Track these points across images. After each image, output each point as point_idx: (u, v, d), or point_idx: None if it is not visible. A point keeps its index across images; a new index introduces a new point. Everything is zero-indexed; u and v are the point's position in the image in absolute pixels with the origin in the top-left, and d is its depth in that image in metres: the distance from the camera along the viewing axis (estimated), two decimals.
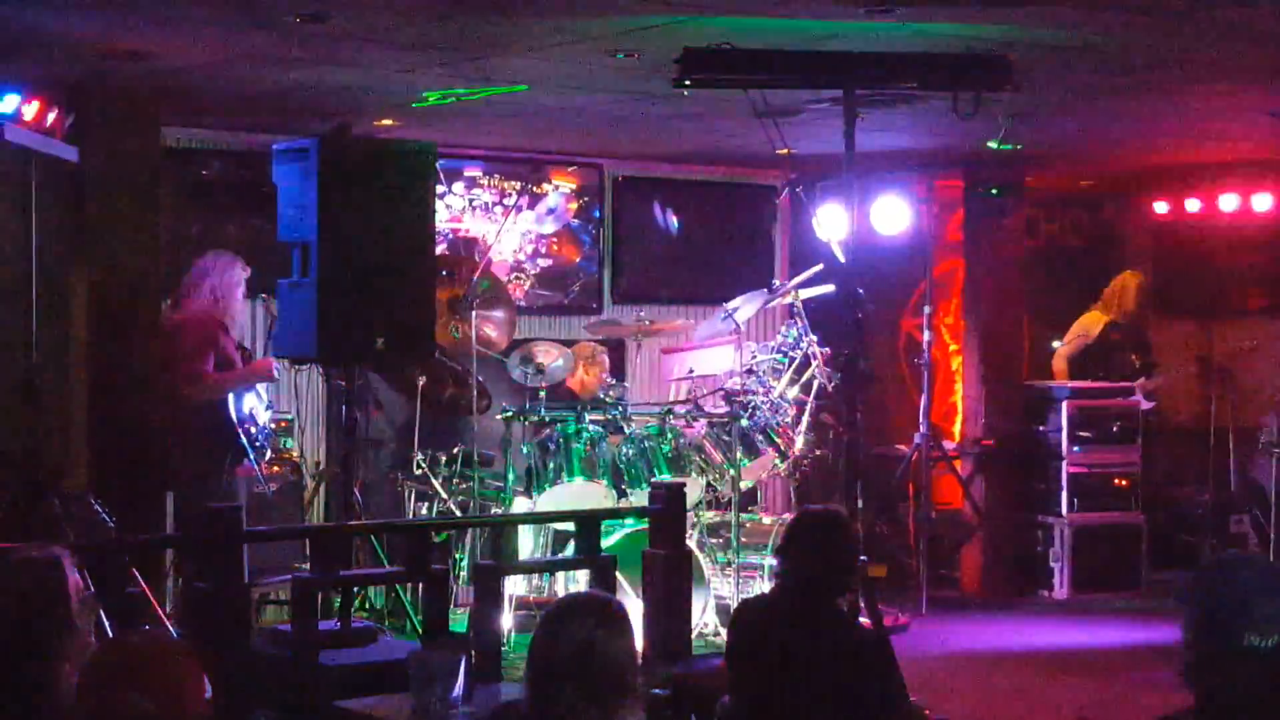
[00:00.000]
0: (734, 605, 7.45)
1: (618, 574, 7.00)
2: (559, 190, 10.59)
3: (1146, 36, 6.72)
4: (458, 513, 8.62)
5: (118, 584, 5.30)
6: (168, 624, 6.09)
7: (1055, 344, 11.27)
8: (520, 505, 8.53)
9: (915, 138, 9.50)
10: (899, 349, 11.76)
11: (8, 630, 3.75)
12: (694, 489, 8.34)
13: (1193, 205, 11.22)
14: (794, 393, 8.92)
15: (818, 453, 9.49)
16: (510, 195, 10.30)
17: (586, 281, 10.80)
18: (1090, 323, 11.03)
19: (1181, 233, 11.47)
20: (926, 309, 10.23)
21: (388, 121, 8.83)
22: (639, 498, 8.26)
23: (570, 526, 7.49)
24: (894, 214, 10.01)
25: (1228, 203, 11.08)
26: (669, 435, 8.67)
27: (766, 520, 8.98)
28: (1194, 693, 3.36)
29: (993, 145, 8.71)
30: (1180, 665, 3.38)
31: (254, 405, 7.92)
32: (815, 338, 8.93)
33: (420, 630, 6.85)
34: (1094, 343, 10.94)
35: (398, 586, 8.16)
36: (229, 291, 7.94)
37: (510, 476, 8.66)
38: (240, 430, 7.77)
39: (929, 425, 10.12)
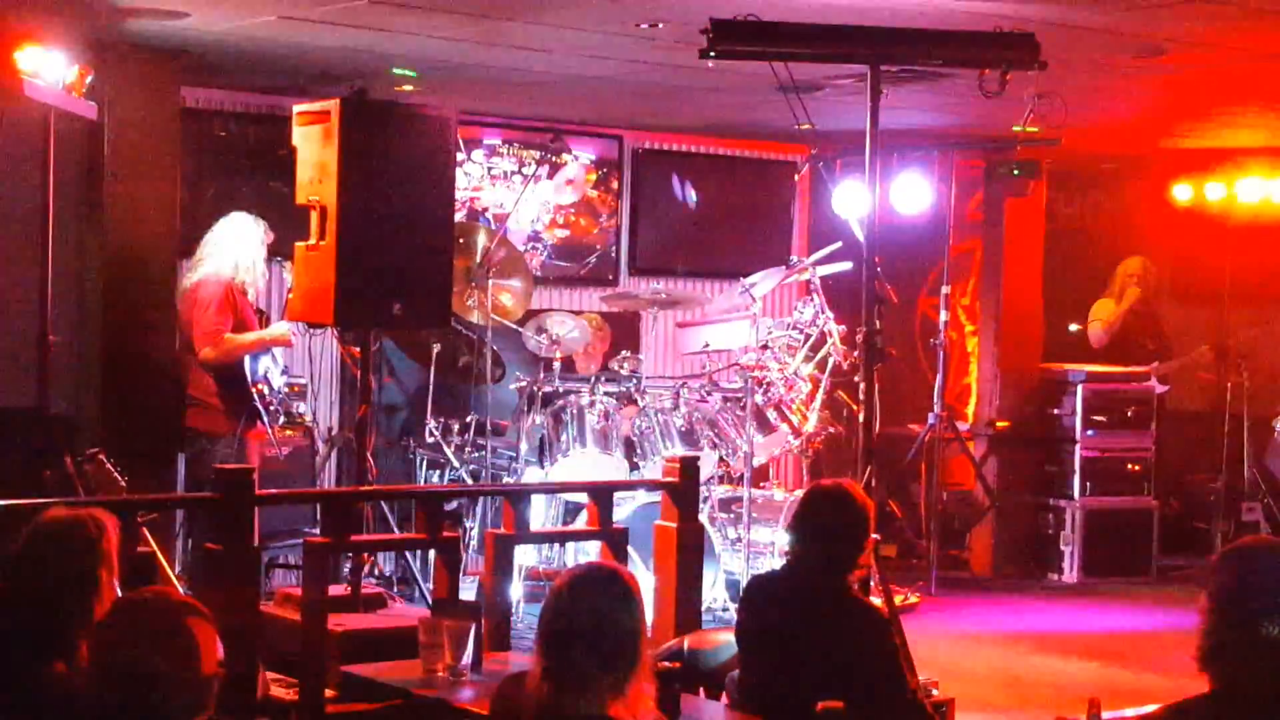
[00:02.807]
0: (744, 581, 7.45)
1: (629, 547, 6.98)
2: (578, 160, 10.56)
3: (1173, 17, 6.67)
4: (469, 481, 8.61)
5: (129, 544, 5.29)
6: (178, 584, 6.08)
7: (1073, 327, 11.24)
8: (532, 476, 8.52)
9: (937, 116, 9.46)
10: (915, 328, 11.73)
11: (42, 587, 3.75)
12: (706, 463, 8.32)
13: (1214, 191, 11.15)
14: (809, 370, 8.90)
15: (831, 430, 9.48)
16: (529, 164, 10.27)
17: (603, 253, 10.78)
18: (1106, 308, 11.00)
19: (1201, 217, 11.41)
20: (944, 289, 10.18)
21: (408, 87, 8.80)
22: (652, 470, 8.25)
23: (582, 498, 7.48)
24: (914, 192, 9.94)
25: (1249, 189, 11.01)
26: (683, 409, 8.65)
27: (778, 496, 8.97)
28: (1209, 678, 3.34)
29: (1017, 129, 8.65)
30: (1196, 650, 3.36)
31: (269, 368, 7.91)
32: (831, 315, 8.90)
33: (430, 597, 6.84)
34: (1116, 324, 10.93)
35: (407, 554, 8.16)
36: (248, 254, 7.89)
37: (523, 447, 8.65)
38: (254, 393, 7.76)
39: (943, 406, 10.09)
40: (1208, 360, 11.07)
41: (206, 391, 7.81)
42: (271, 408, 7.87)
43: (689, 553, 6.57)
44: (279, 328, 8.02)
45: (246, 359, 7.79)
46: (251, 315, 7.92)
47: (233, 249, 7.87)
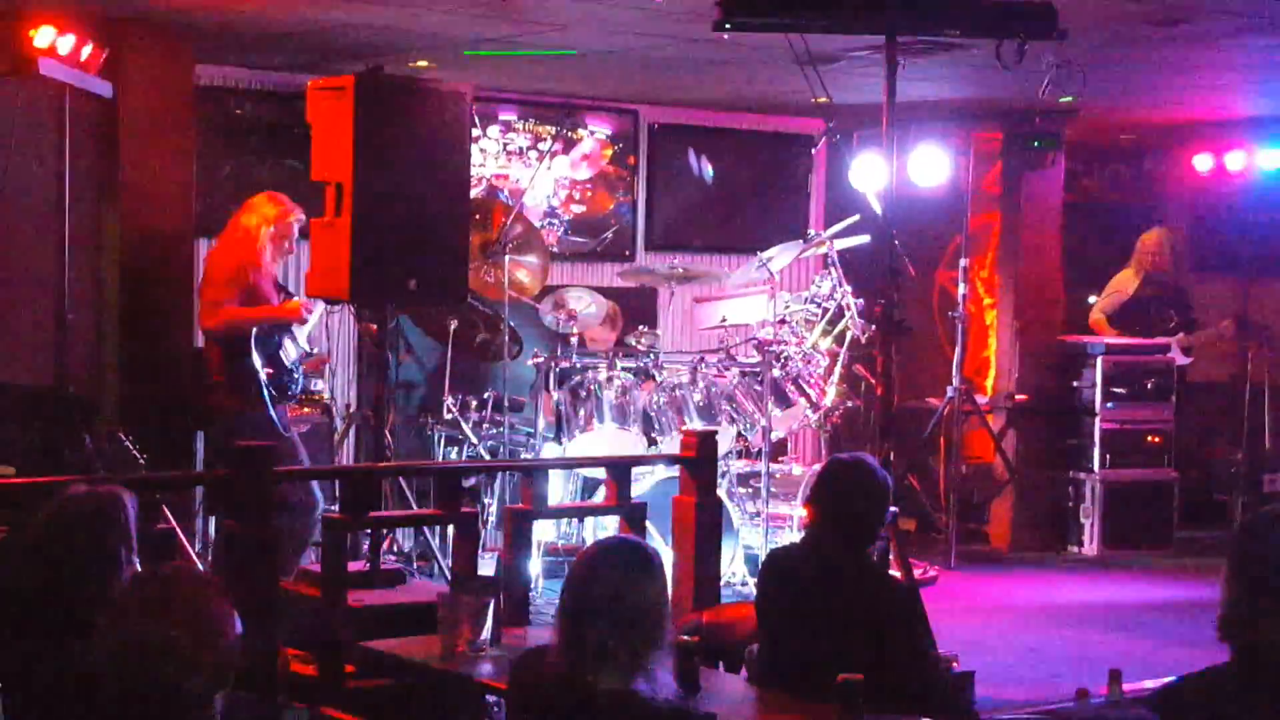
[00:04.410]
0: (763, 555, 7.44)
1: (647, 522, 6.98)
2: (593, 136, 10.53)
3: None
4: (487, 457, 8.61)
5: (148, 521, 5.30)
6: (197, 562, 6.10)
7: (1091, 299, 11.19)
8: (550, 452, 8.52)
9: (955, 88, 9.41)
10: (933, 302, 11.69)
11: (62, 564, 3.76)
12: (724, 438, 8.31)
13: (1234, 161, 11.09)
14: (827, 343, 8.88)
15: (849, 404, 9.46)
16: (545, 140, 10.25)
17: (620, 228, 10.76)
18: (1124, 280, 10.95)
19: (1222, 189, 11.35)
20: (962, 262, 10.15)
21: (423, 63, 8.79)
22: (670, 446, 8.24)
23: (600, 473, 7.47)
24: (932, 165, 9.92)
25: (1269, 159, 10.95)
26: (700, 384, 8.64)
27: (796, 470, 8.96)
28: (1230, 648, 3.33)
29: (1065, 100, 8.62)
30: (1217, 621, 3.34)
31: (287, 346, 7.75)
32: (849, 289, 8.87)
33: (448, 573, 6.85)
34: (1130, 300, 10.86)
35: (426, 530, 8.17)
36: (267, 230, 7.75)
37: (540, 423, 8.65)
38: (260, 372, 7.58)
39: (962, 379, 10.06)
40: (1229, 334, 11.02)
41: (214, 367, 7.66)
42: (290, 392, 7.68)
43: (707, 527, 6.56)
44: (290, 304, 7.81)
45: (254, 343, 7.59)
46: (269, 291, 7.72)
47: (250, 224, 7.77)
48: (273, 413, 7.44)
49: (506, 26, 7.80)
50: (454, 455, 8.78)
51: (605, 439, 8.38)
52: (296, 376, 7.70)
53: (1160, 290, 10.91)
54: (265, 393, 7.43)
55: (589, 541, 6.98)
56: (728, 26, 6.48)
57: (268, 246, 7.58)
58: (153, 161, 8.10)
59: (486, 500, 8.65)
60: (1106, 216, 12.01)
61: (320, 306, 7.78)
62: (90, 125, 7.90)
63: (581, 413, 8.48)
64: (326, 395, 8.77)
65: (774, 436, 8.69)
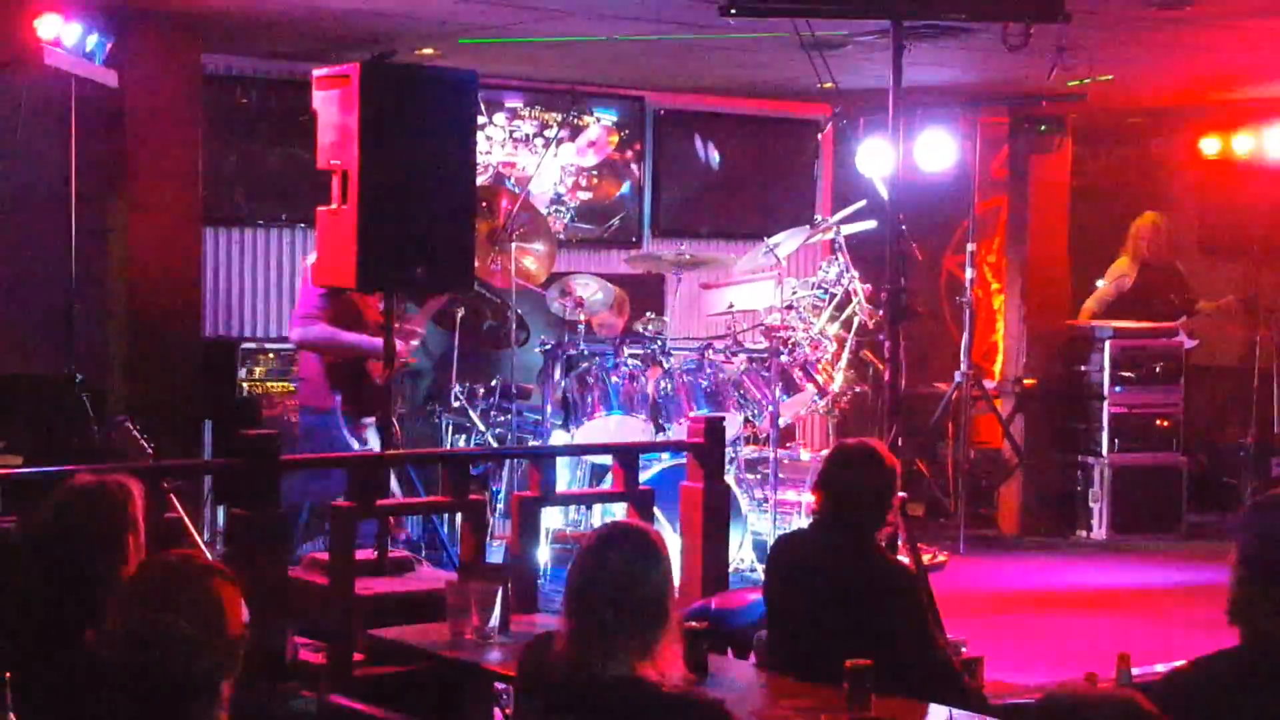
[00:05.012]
0: (771, 541, 7.44)
1: (655, 508, 6.98)
2: (599, 123, 10.52)
3: None
4: (495, 444, 8.61)
5: (155, 509, 5.30)
6: (205, 551, 6.09)
7: (1099, 283, 11.17)
8: (558, 439, 8.52)
9: (961, 72, 9.39)
10: (941, 287, 11.68)
11: (70, 553, 3.77)
12: (732, 424, 8.31)
13: (1242, 144, 11.05)
14: (834, 329, 8.87)
15: (857, 390, 9.43)
16: (551, 127, 10.24)
17: (626, 215, 10.75)
18: (1120, 270, 10.93)
19: (1229, 172, 11.32)
20: (969, 246, 10.14)
21: (428, 51, 8.78)
22: (677, 432, 8.23)
23: (608, 460, 7.47)
24: (938, 150, 9.89)
25: (1277, 142, 10.91)
26: (708, 370, 8.63)
27: (804, 456, 8.95)
28: (1239, 632, 3.32)
29: (1073, 84, 8.59)
30: (1226, 605, 3.34)
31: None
32: (856, 274, 8.86)
33: (457, 561, 6.85)
34: (1129, 290, 10.84)
35: (434, 517, 8.17)
36: None
37: (548, 410, 8.64)
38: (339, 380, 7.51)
39: (970, 364, 10.05)
40: (1234, 309, 10.98)
41: (304, 368, 7.63)
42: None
43: (715, 513, 6.56)
44: (374, 342, 7.30)
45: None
46: (369, 313, 7.53)
47: None
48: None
49: (512, 13, 7.78)
50: (462, 443, 8.78)
51: (613, 426, 8.38)
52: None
53: (1158, 275, 10.88)
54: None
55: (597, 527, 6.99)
56: (734, 11, 6.46)
57: None
58: (159, 151, 8.10)
59: (495, 487, 8.65)
60: (1113, 200, 11.99)
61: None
62: (97, 115, 7.90)
63: (589, 399, 8.48)
64: None
65: (781, 422, 8.68)
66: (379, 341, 7.05)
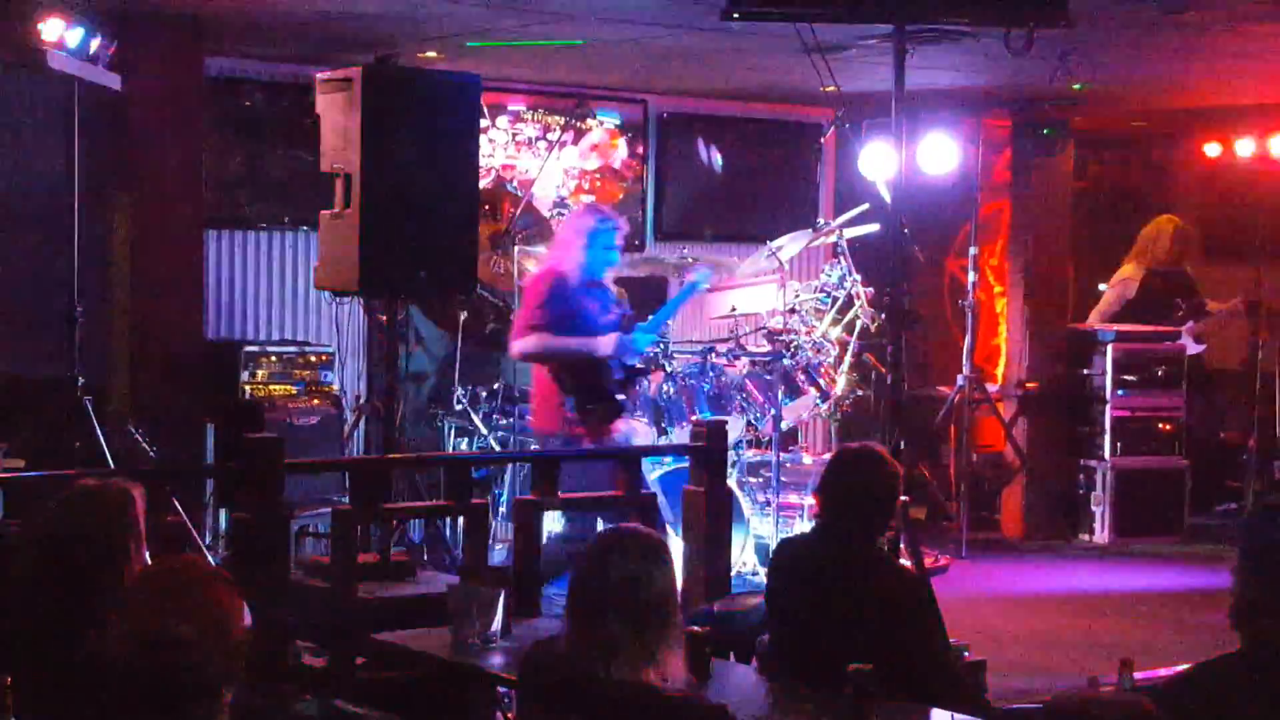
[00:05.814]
0: (773, 545, 7.43)
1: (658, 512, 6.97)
2: (602, 126, 10.52)
3: None
4: (497, 448, 8.61)
5: (157, 513, 5.31)
6: (207, 554, 6.11)
7: (1102, 286, 11.16)
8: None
9: (964, 76, 9.39)
10: (943, 290, 11.67)
11: (72, 557, 3.76)
12: (734, 427, 8.30)
13: (1244, 147, 11.05)
14: (836, 333, 8.86)
15: (859, 393, 9.44)
16: (554, 130, 10.24)
17: (629, 219, 10.74)
18: (1127, 277, 10.91)
19: (1232, 175, 11.31)
20: (972, 250, 10.12)
21: (431, 54, 8.78)
22: (680, 436, 8.23)
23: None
24: (941, 153, 9.88)
25: None
26: (710, 373, 8.63)
27: (807, 460, 8.95)
28: (1242, 636, 3.32)
29: (1078, 88, 8.59)
30: (1229, 608, 3.33)
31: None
32: (859, 277, 8.85)
33: (459, 565, 6.85)
34: (1136, 296, 10.83)
35: (437, 521, 8.17)
36: (574, 242, 7.54)
37: None
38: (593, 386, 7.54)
39: (972, 367, 10.05)
40: (1241, 310, 10.96)
41: (536, 387, 7.55)
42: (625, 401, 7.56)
43: (717, 517, 6.56)
44: (604, 342, 7.57)
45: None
46: (586, 303, 7.55)
47: (557, 238, 7.67)
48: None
49: (515, 16, 7.79)
50: (464, 446, 8.78)
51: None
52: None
53: (1165, 280, 10.87)
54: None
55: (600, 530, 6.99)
56: (736, 15, 6.46)
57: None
58: (162, 154, 8.10)
59: (497, 491, 8.65)
60: (1116, 204, 11.99)
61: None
62: (100, 118, 7.90)
63: None
64: (336, 387, 8.78)
65: (784, 426, 8.68)
66: (599, 342, 7.38)
